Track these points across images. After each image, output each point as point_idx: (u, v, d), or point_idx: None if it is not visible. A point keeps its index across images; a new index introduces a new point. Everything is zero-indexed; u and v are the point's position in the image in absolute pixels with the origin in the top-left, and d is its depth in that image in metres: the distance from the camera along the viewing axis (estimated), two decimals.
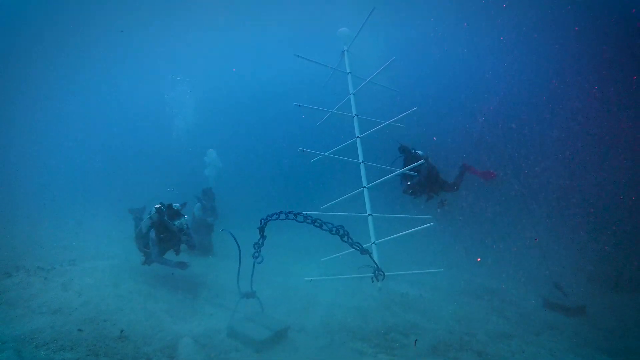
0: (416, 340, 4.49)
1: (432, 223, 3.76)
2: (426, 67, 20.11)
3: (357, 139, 4.61)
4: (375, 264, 3.54)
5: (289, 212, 3.57)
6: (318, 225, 3.47)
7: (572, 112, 13.34)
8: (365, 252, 3.47)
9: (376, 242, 3.77)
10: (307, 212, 3.87)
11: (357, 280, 7.58)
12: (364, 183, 4.19)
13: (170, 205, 5.57)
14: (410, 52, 19.49)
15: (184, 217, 5.62)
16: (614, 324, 6.18)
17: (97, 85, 24.40)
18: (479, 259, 7.69)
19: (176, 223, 5.47)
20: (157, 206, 5.59)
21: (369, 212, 3.95)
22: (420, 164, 6.32)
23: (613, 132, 11.93)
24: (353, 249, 3.45)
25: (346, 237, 3.42)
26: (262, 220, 3.75)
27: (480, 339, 5.05)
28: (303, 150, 4.52)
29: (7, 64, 19.71)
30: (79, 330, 3.81)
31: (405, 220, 4.01)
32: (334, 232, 3.44)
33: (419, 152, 6.49)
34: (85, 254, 6.98)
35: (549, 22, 14.60)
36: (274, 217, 3.68)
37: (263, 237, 3.85)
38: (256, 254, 3.86)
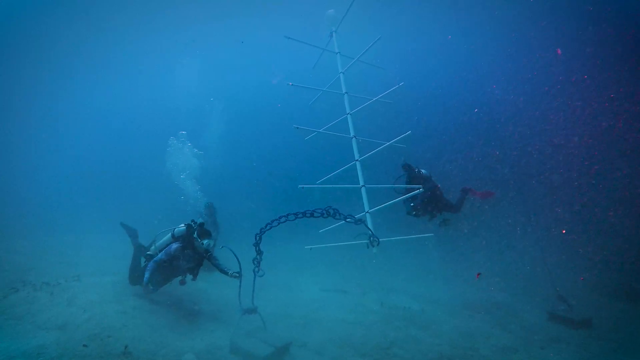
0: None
1: (421, 189, 3.93)
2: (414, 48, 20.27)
3: (348, 115, 4.81)
4: (370, 231, 3.67)
5: (280, 217, 3.72)
6: (309, 215, 3.63)
7: (572, 115, 13.38)
8: (360, 221, 3.61)
9: (370, 210, 3.92)
10: (304, 185, 4.08)
11: (358, 295, 7.59)
12: (356, 156, 4.38)
13: (202, 224, 5.36)
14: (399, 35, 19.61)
15: (212, 240, 5.36)
16: (622, 336, 6.10)
17: (99, 90, 24.64)
18: None
19: (204, 242, 5.24)
20: (188, 223, 5.38)
21: (362, 183, 4.12)
22: (424, 180, 6.45)
23: (616, 137, 11.93)
24: (347, 222, 3.62)
25: (337, 214, 3.59)
26: (257, 235, 3.89)
27: (483, 354, 5.02)
28: (297, 127, 4.72)
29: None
30: (84, 346, 3.85)
31: (396, 190, 4.16)
32: (325, 215, 3.61)
33: (423, 170, 6.58)
34: (89, 270, 7.05)
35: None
36: (267, 228, 3.81)
37: (260, 252, 3.98)
38: (256, 269, 3.98)
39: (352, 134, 4.61)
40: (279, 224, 3.78)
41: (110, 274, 6.57)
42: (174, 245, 5.23)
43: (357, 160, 4.34)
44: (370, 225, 3.73)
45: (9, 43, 19.61)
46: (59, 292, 5.32)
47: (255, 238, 3.92)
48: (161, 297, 5.57)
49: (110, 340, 4.11)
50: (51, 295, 5.14)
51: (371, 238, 3.61)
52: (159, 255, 5.26)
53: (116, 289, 5.68)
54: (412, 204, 6.54)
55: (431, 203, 6.49)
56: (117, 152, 24.13)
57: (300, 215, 3.73)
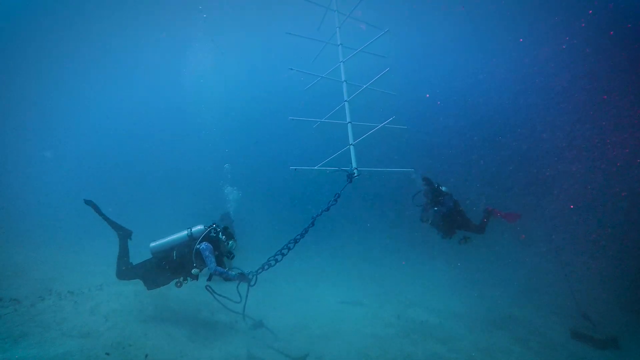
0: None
1: (394, 118, 4.49)
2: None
3: (341, 64, 5.39)
4: (353, 167, 4.23)
5: (295, 238, 4.59)
6: (300, 238, 4.52)
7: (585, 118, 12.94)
8: (340, 170, 4.32)
9: (354, 143, 4.44)
10: (294, 117, 4.99)
11: (375, 307, 7.51)
12: (345, 97, 4.95)
13: (226, 227, 5.39)
14: None
15: (235, 242, 5.33)
16: None
17: (115, 89, 24.89)
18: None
19: (230, 243, 5.25)
20: (209, 225, 5.32)
21: (348, 120, 4.70)
22: (443, 196, 6.46)
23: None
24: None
25: (332, 202, 4.40)
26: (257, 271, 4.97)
27: None
28: (292, 69, 5.18)
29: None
30: (107, 354, 3.96)
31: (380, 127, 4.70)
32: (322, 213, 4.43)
33: (443, 187, 6.57)
34: (110, 279, 7.23)
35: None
36: (265, 268, 4.90)
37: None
38: (254, 275, 4.97)
39: (343, 78, 5.17)
40: (295, 244, 4.59)
41: (131, 283, 6.72)
42: (203, 245, 4.98)
43: (345, 100, 4.94)
44: (353, 157, 4.35)
45: (12, 42, 20.13)
46: (83, 301, 5.49)
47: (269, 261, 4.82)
48: (181, 306, 5.67)
49: (131, 349, 4.20)
50: (75, 304, 5.31)
51: (352, 169, 4.23)
52: (211, 259, 4.94)
53: (137, 298, 5.81)
54: (430, 220, 6.52)
55: (449, 220, 6.43)
56: (132, 156, 24.41)
57: (305, 231, 4.54)
